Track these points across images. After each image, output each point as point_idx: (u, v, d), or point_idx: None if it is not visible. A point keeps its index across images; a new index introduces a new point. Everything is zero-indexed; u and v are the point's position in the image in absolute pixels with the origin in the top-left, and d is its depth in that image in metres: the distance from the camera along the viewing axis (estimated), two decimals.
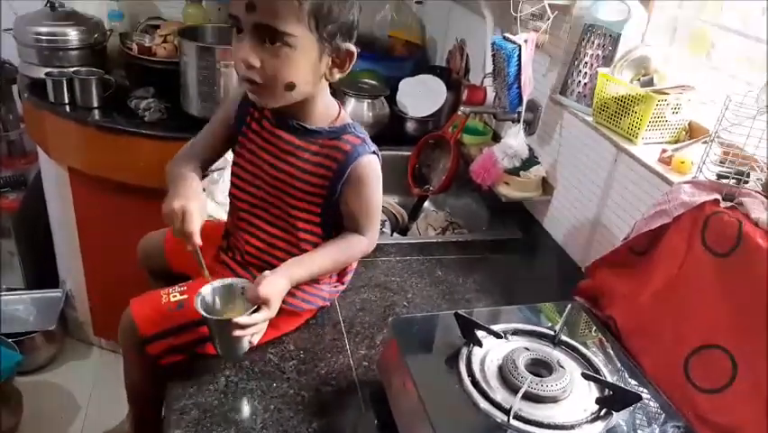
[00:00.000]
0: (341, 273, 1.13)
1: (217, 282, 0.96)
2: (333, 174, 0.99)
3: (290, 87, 0.92)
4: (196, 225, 0.92)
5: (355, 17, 0.93)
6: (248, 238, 1.06)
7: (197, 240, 0.93)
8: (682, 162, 1.14)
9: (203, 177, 1.09)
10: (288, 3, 0.86)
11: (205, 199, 0.99)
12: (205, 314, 0.90)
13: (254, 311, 0.92)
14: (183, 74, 1.83)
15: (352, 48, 0.94)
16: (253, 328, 0.93)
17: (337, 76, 0.96)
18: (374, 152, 1.01)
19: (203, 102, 1.82)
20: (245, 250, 1.07)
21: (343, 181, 0.99)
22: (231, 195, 1.09)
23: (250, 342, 0.95)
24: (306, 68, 0.92)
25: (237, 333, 0.91)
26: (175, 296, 1.02)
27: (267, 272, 0.95)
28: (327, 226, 1.04)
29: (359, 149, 0.99)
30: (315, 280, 1.07)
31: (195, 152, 1.09)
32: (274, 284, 0.94)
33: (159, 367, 1.00)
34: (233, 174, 1.07)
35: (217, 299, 0.96)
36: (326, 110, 1.01)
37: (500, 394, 0.81)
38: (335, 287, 1.13)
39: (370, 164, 1.00)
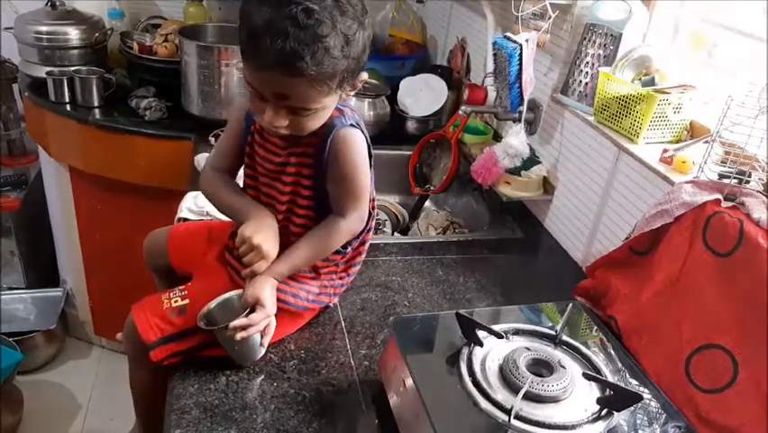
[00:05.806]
0: (346, 265, 1.11)
1: (214, 301, 0.99)
2: (314, 150, 0.98)
3: (315, 129, 0.95)
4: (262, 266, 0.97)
5: (367, 52, 0.91)
6: None
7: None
8: (684, 162, 1.13)
9: None
10: (321, 88, 0.86)
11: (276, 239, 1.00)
12: (204, 326, 0.94)
13: (250, 313, 0.94)
14: (184, 73, 1.83)
15: (365, 75, 0.95)
16: (255, 328, 0.94)
17: (352, 94, 0.97)
18: (354, 126, 0.98)
19: (204, 101, 1.81)
20: None
21: (326, 158, 0.97)
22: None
23: (261, 344, 0.97)
24: (329, 112, 0.94)
25: (241, 335, 0.92)
26: (176, 301, 1.01)
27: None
28: (322, 215, 1.03)
29: (335, 121, 0.96)
30: (319, 279, 1.07)
31: (223, 169, 1.10)
32: (260, 283, 0.97)
33: (165, 374, 0.99)
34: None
35: (219, 315, 0.98)
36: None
37: (501, 394, 0.81)
38: (341, 279, 1.11)
39: (347, 137, 0.96)
